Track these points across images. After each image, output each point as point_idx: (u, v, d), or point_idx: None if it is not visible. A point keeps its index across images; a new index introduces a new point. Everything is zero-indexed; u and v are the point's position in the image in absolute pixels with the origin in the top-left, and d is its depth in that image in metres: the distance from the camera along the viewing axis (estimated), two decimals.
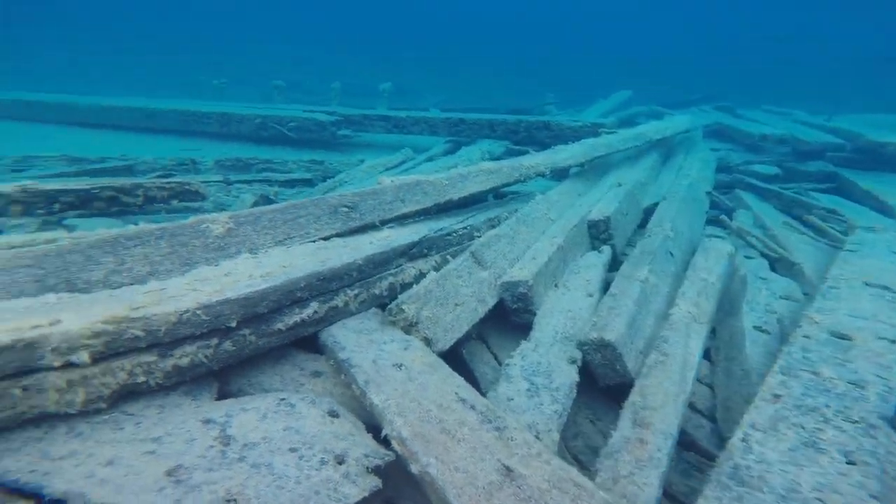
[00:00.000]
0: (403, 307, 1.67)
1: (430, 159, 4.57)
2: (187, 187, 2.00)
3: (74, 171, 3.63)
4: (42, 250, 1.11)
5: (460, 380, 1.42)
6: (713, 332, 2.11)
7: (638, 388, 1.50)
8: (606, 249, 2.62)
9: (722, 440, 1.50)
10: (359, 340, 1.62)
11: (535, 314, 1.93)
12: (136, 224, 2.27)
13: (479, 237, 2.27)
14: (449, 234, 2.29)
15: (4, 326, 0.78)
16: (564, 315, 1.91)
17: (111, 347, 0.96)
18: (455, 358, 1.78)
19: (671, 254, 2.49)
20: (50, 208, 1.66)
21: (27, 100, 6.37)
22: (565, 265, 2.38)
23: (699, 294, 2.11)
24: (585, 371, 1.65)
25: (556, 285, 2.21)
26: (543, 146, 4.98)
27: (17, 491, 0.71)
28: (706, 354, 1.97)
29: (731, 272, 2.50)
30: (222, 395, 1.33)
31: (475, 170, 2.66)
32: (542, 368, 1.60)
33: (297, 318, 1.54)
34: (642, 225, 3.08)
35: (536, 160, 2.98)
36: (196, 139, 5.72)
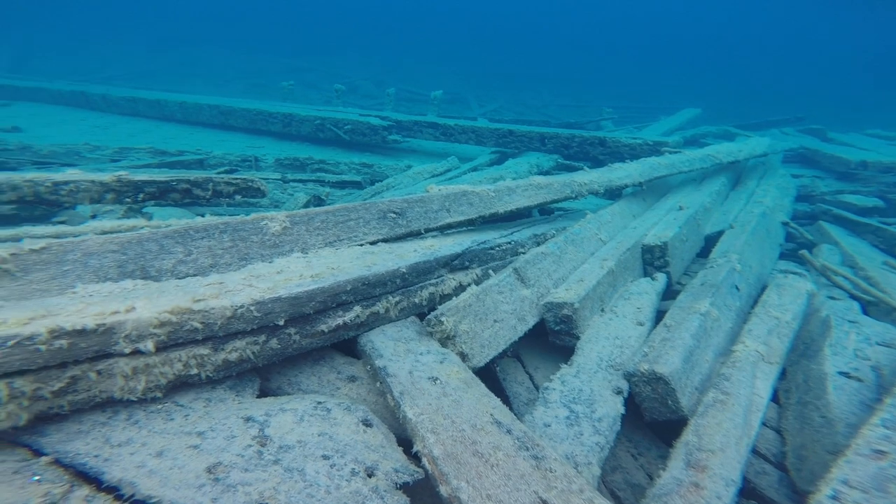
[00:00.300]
0: (442, 319, 1.64)
1: (474, 169, 4.54)
2: (251, 184, 2.10)
3: (157, 162, 4.00)
4: (126, 237, 1.20)
5: (496, 401, 1.37)
6: (783, 373, 1.89)
7: (693, 428, 1.36)
8: (661, 277, 2.45)
9: (795, 492, 1.35)
10: (396, 349, 1.61)
11: (578, 338, 1.86)
12: (202, 215, 2.45)
13: (524, 253, 2.22)
14: (492, 248, 2.24)
15: (91, 311, 0.83)
16: (611, 342, 1.81)
17: (172, 338, 1.00)
18: (488, 375, 1.74)
19: (737, 287, 2.27)
20: (135, 197, 1.82)
21: (130, 96, 7.13)
22: (614, 290, 2.25)
23: (770, 333, 1.90)
24: (628, 401, 1.55)
25: (602, 310, 2.10)
26: (597, 162, 4.80)
27: (83, 474, 0.75)
28: (774, 397, 1.78)
29: (810, 312, 2.23)
30: (263, 393, 1.36)
31: (524, 184, 2.58)
32: (583, 396, 1.52)
33: (339, 321, 1.55)
34: (703, 253, 2.85)
35: (591, 177, 2.84)
36: (262, 137, 6.10)
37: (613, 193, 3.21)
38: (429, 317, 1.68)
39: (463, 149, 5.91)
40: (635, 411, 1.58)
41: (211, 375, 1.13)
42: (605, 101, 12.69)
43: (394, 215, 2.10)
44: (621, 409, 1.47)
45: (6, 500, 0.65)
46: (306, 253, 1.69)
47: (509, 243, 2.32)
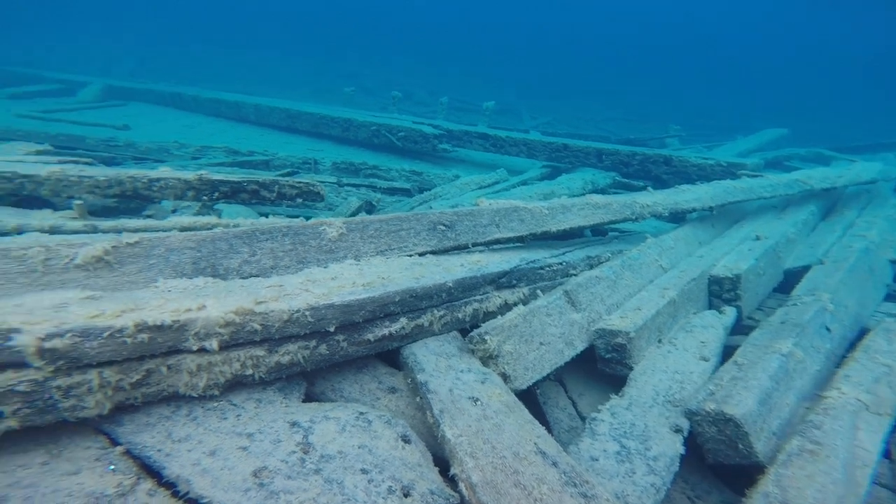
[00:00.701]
0: (486, 338, 1.62)
1: (524, 183, 4.44)
2: (311, 188, 2.21)
3: (230, 161, 4.35)
4: (201, 236, 1.30)
5: (541, 429, 1.32)
6: None
7: (774, 478, 1.22)
8: (730, 311, 2.24)
9: None
10: (438, 364, 1.59)
11: (630, 369, 1.75)
12: (265, 215, 2.62)
13: (575, 275, 2.13)
14: (542, 268, 2.18)
15: (169, 307, 0.90)
16: (669, 376, 1.70)
17: (234, 338, 1.06)
18: (527, 397, 1.67)
19: (827, 328, 2.01)
20: (211, 195, 1.98)
21: (213, 98, 7.86)
22: (674, 321, 2.10)
23: (877, 381, 1.67)
24: (687, 441, 1.42)
25: (660, 341, 1.98)
26: (659, 182, 4.50)
27: (148, 467, 0.80)
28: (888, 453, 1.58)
29: None
30: (308, 397, 1.39)
31: (580, 202, 2.47)
32: (636, 431, 1.42)
33: (385, 331, 1.57)
34: (781, 288, 2.56)
35: (654, 199, 2.66)
36: (323, 141, 6.44)
37: (678, 217, 2.99)
38: (472, 334, 1.65)
39: (512, 161, 5.82)
40: (693, 450, 1.45)
41: (263, 377, 1.17)
42: (671, 117, 11.97)
43: (443, 227, 2.10)
44: (680, 450, 1.36)
45: (90, 486, 0.71)
46: (359, 260, 1.73)
47: (560, 264, 2.24)
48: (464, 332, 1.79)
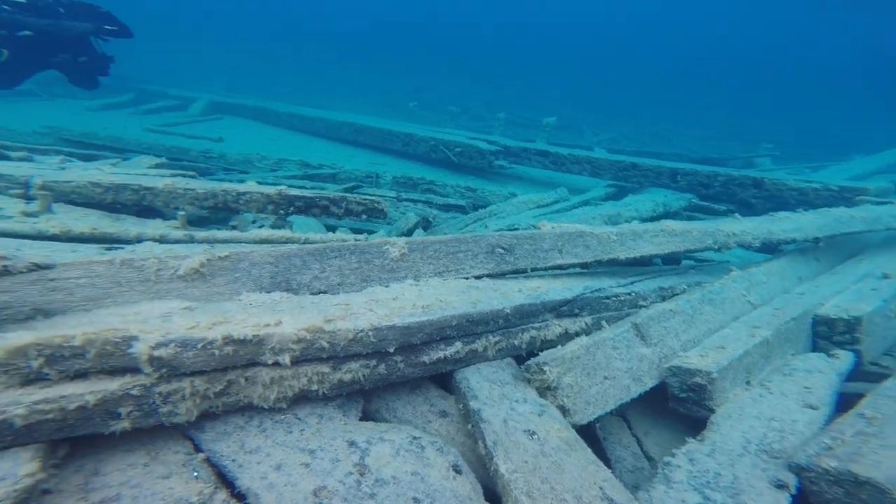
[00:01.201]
0: (545, 368, 1.57)
1: (586, 203, 4.24)
2: (376, 205, 2.32)
3: (301, 174, 4.73)
4: (279, 252, 1.42)
5: (606, 471, 1.23)
6: None
7: None
8: (845, 355, 1.98)
9: None
10: (491, 392, 1.56)
11: (711, 411, 1.61)
12: (333, 229, 2.79)
13: (645, 307, 2.00)
14: (607, 298, 2.07)
15: (250, 321, 0.99)
16: (763, 423, 1.54)
17: (304, 354, 1.12)
18: (586, 431, 1.57)
19: None
20: (287, 209, 2.16)
21: (290, 112, 8.63)
22: (767, 363, 1.90)
23: None
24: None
25: (748, 383, 1.80)
26: (746, 207, 4.04)
27: (223, 476, 0.88)
28: None
29: None
30: (364, 414, 1.43)
31: (653, 228, 2.31)
32: (722, 482, 1.29)
33: (440, 354, 1.57)
34: None
35: (742, 227, 2.40)
36: (385, 154, 6.75)
37: (771, 248, 2.66)
38: (529, 363, 1.60)
39: (574, 179, 5.60)
40: None
41: (326, 392, 1.23)
42: (763, 135, 10.80)
43: (502, 251, 2.07)
44: None
45: (178, 491, 0.80)
46: (418, 281, 1.76)
47: (629, 294, 2.11)
48: (519, 359, 1.74)
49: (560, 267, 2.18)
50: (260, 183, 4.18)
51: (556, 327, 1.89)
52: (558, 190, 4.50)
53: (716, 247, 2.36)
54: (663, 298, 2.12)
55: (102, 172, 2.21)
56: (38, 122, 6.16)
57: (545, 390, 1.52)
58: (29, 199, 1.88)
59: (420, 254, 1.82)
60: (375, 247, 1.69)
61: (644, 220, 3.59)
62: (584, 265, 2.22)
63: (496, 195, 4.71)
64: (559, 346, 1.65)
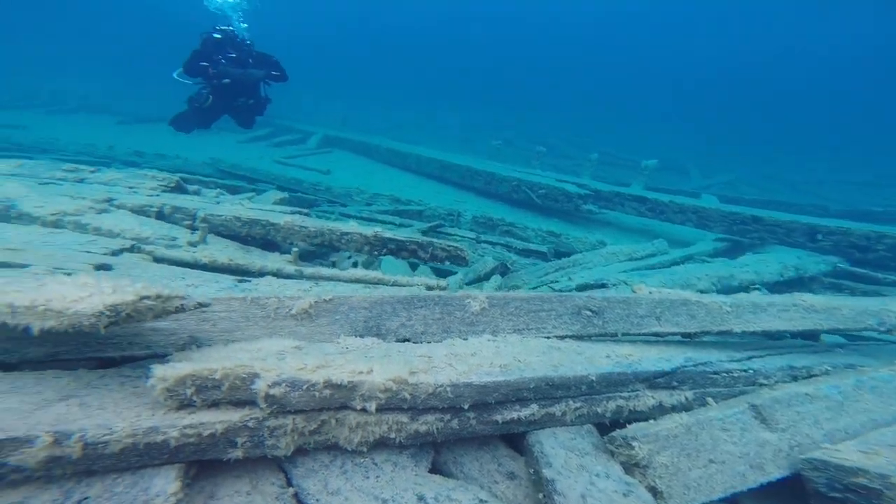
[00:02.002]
0: (633, 444, 1.43)
1: (689, 258, 3.77)
2: (459, 253, 2.39)
3: (392, 209, 5.11)
4: (374, 298, 1.54)
5: None
6: None
7: None
8: None
9: None
10: (568, 461, 1.44)
11: None
12: (415, 266, 2.94)
13: (767, 385, 1.76)
14: (715, 373, 1.83)
15: (347, 368, 1.08)
16: None
17: (388, 403, 1.17)
18: None
19: None
20: (381, 250, 2.35)
21: (386, 147, 9.46)
22: None
23: None
24: None
25: None
26: None
27: None
28: None
29: None
30: (433, 465, 1.42)
31: (782, 302, 1.99)
32: None
33: (514, 415, 1.51)
34: None
35: None
36: (467, 192, 6.98)
37: None
38: (614, 435, 1.47)
39: (675, 230, 5.04)
40: None
41: (402, 441, 1.26)
42: None
43: (589, 313, 1.95)
44: None
45: None
46: (496, 336, 1.74)
47: (744, 371, 1.84)
48: (601, 427, 1.61)
49: (657, 334, 1.98)
50: (357, 216, 4.61)
51: (648, 399, 1.72)
52: (656, 242, 4.00)
53: (882, 329, 1.95)
54: (794, 379, 1.83)
55: (243, 207, 2.67)
56: (204, 153, 7.68)
57: (633, 467, 1.38)
58: (193, 229, 2.35)
59: (500, 309, 1.81)
60: (458, 299, 1.73)
61: (767, 285, 3.08)
62: (686, 334, 1.99)
63: (582, 242, 4.47)
64: (652, 421, 1.51)
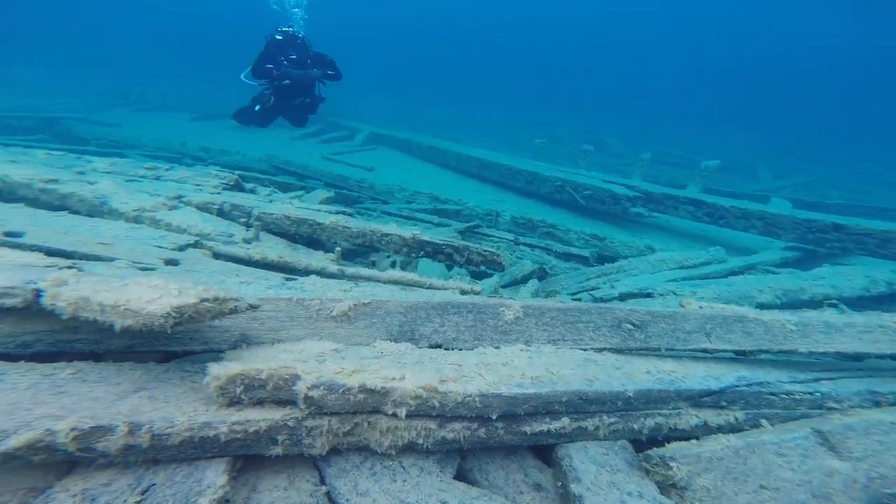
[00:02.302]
0: (671, 464, 1.36)
1: (750, 268, 3.43)
2: (495, 258, 2.37)
3: (431, 207, 5.15)
4: (408, 303, 1.58)
5: None
6: None
7: None
8: None
9: None
10: (598, 476, 1.39)
11: None
12: (450, 266, 2.95)
13: (836, 409, 1.62)
14: (773, 394, 1.69)
15: (380, 374, 1.12)
16: None
17: (417, 409, 1.20)
18: None
19: None
20: (418, 252, 2.39)
21: (428, 145, 9.50)
22: None
23: None
24: None
25: None
26: None
27: None
28: None
29: None
30: (458, 471, 1.43)
31: (868, 322, 1.79)
32: None
33: (544, 427, 1.48)
34: None
35: None
36: (507, 191, 6.85)
37: None
38: (650, 453, 1.41)
39: (735, 236, 4.56)
40: None
41: (429, 447, 1.28)
42: None
43: (630, 326, 1.86)
44: None
45: None
46: (529, 346, 1.71)
47: (810, 394, 1.68)
48: (637, 444, 1.54)
49: (706, 351, 1.86)
50: (397, 214, 4.70)
51: (691, 417, 1.62)
52: (712, 249, 3.63)
53: None
54: (877, 405, 1.66)
55: (292, 206, 2.83)
56: (261, 149, 8.19)
57: (670, 488, 1.32)
58: (248, 226, 2.53)
59: (535, 319, 1.78)
60: (491, 307, 1.72)
61: (848, 301, 2.74)
62: (741, 353, 1.85)
63: (628, 247, 4.22)
64: (694, 441, 1.43)
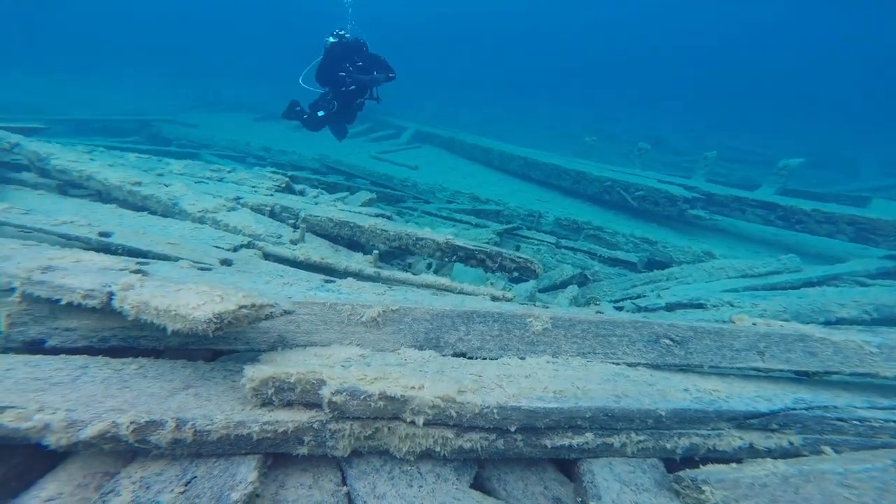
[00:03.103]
0: (704, 488, 1.25)
1: (833, 278, 2.99)
2: (528, 265, 2.32)
3: (470, 208, 5.14)
4: (436, 310, 1.61)
5: None
6: None
7: None
8: None
9: None
10: (620, 495, 1.34)
11: None
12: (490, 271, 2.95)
13: None
14: (842, 420, 1.51)
15: (401, 382, 1.17)
16: None
17: (435, 418, 1.23)
18: None
19: None
20: (451, 257, 2.42)
21: (471, 143, 9.46)
22: None
23: None
24: None
25: None
26: None
27: None
28: None
29: None
30: (475, 479, 1.44)
31: None
32: None
33: (566, 442, 1.45)
34: None
35: None
36: (552, 191, 6.63)
37: None
38: (682, 474, 1.32)
39: (817, 242, 4.00)
40: None
41: (447, 455, 1.31)
42: None
43: (669, 342, 1.74)
44: None
45: None
46: (556, 358, 1.67)
47: (891, 422, 1.50)
48: (669, 462, 1.46)
49: (758, 370, 1.70)
50: (437, 214, 4.75)
51: (734, 439, 1.51)
52: (784, 259, 3.19)
53: None
54: None
55: (335, 209, 2.99)
56: (314, 148, 8.66)
57: None
58: (295, 227, 2.72)
59: (564, 331, 1.72)
60: (518, 317, 1.69)
61: None
62: (802, 373, 1.68)
63: (683, 252, 3.86)
64: (734, 465, 1.32)
